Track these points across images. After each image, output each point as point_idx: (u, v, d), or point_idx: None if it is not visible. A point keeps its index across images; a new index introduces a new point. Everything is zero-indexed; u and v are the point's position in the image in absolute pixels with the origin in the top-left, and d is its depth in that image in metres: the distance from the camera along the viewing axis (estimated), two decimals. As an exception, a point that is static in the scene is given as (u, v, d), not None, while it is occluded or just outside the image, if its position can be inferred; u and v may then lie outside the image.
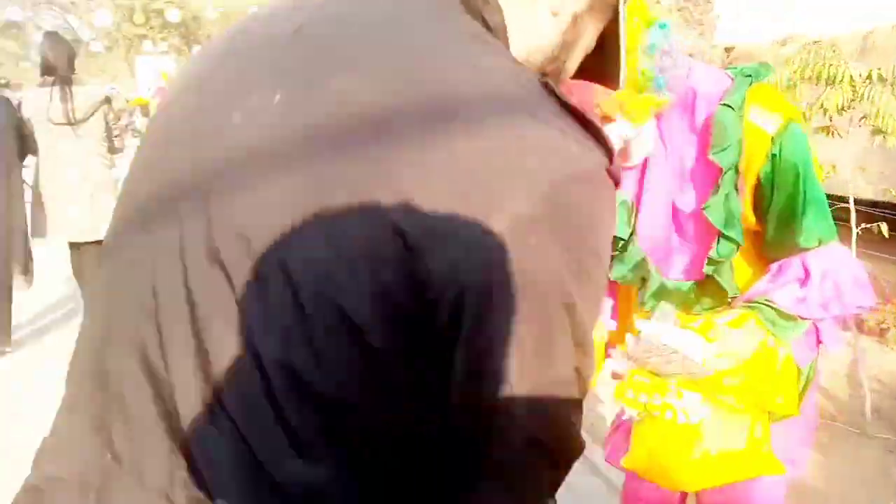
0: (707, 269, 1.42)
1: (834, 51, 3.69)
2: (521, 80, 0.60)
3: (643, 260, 1.47)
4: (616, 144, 1.28)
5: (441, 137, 0.54)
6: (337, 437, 0.57)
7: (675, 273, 1.49)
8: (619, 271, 1.50)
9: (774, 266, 1.38)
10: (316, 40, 0.61)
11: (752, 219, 1.38)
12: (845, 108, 3.40)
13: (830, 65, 3.53)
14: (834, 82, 3.45)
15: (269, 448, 0.56)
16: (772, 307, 1.33)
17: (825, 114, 3.52)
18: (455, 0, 0.66)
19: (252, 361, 0.55)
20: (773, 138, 1.30)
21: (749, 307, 1.36)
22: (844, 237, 4.24)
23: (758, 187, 1.34)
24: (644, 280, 1.50)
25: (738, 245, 1.38)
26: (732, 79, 1.36)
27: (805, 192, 1.30)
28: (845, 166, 3.91)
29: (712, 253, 1.40)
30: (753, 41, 9.43)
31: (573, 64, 0.76)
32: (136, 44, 29.89)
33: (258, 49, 0.65)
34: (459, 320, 0.53)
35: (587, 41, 0.76)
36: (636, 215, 1.46)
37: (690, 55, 5.30)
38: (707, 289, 1.46)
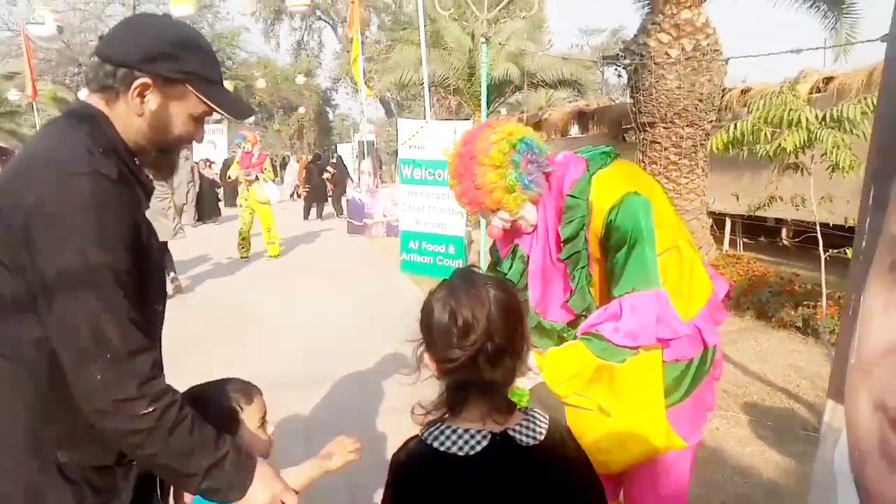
0: (580, 312, 1.89)
1: (795, 95, 4.11)
2: (66, 140, 1.24)
3: (525, 302, 1.95)
4: (501, 225, 1.88)
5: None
6: None
7: (554, 315, 1.95)
8: None
9: (603, 306, 1.81)
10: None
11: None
12: (804, 148, 3.80)
13: (791, 109, 3.95)
14: (791, 125, 3.85)
15: None
16: (597, 337, 1.74)
17: (788, 154, 3.91)
18: (65, 117, 1.32)
19: None
20: (609, 210, 1.75)
21: (582, 339, 1.77)
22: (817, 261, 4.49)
23: (600, 247, 1.81)
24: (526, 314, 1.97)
25: (579, 286, 1.86)
26: (587, 165, 1.84)
27: (628, 252, 1.73)
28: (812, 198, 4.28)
29: (567, 298, 1.89)
30: (766, 81, 9.79)
31: (178, 130, 1.35)
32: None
33: None
34: None
35: (179, 121, 1.34)
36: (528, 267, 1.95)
37: (701, 100, 5.90)
38: (577, 324, 1.89)
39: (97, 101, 1.30)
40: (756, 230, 10.01)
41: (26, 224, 1.13)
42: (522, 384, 1.69)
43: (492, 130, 1.80)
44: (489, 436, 1.16)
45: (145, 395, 1.16)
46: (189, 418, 1.22)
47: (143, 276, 1.26)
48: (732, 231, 10.00)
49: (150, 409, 1.16)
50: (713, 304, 1.91)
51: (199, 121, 1.38)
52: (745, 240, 9.99)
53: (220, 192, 17.53)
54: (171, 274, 7.72)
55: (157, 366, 1.22)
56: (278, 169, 20.75)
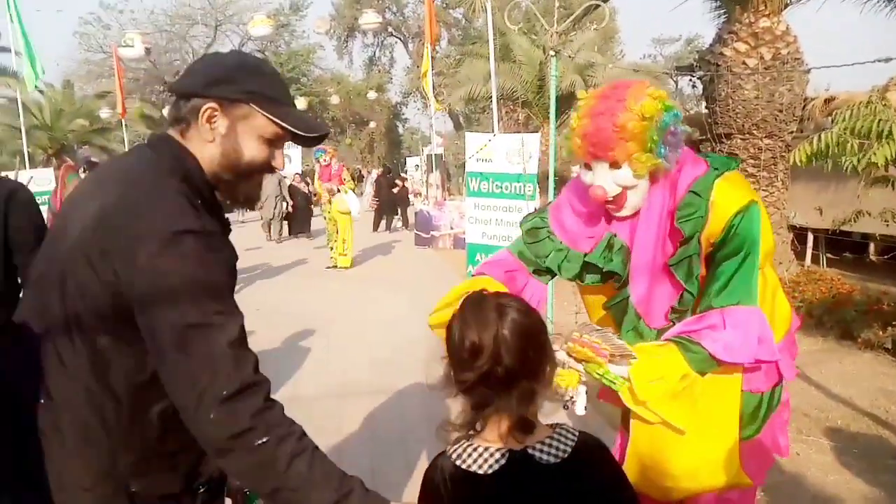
0: (672, 317, 1.77)
1: (886, 105, 3.89)
2: (164, 187, 1.26)
3: (627, 299, 1.83)
4: (609, 187, 1.71)
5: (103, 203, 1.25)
6: None
7: (656, 317, 1.81)
8: (612, 301, 1.88)
9: (698, 314, 1.69)
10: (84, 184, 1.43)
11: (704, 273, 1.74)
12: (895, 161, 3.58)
13: (880, 119, 3.74)
14: (881, 137, 3.64)
15: None
16: (695, 344, 1.62)
17: (878, 167, 3.70)
18: (156, 152, 1.35)
19: None
20: (734, 213, 1.66)
21: (678, 342, 1.64)
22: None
23: (711, 251, 1.71)
24: (623, 314, 1.85)
25: (694, 296, 1.73)
26: (708, 165, 1.75)
27: (741, 262, 1.64)
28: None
29: (675, 304, 1.76)
30: (851, 89, 9.33)
31: (249, 153, 1.35)
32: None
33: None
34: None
35: (250, 144, 1.35)
36: (630, 259, 1.81)
37: (780, 111, 5.75)
38: (664, 331, 1.77)
39: (175, 135, 1.35)
40: (841, 245, 9.49)
41: (135, 280, 1.17)
42: (618, 371, 1.59)
43: (646, 86, 1.70)
44: (507, 454, 1.17)
45: (257, 426, 1.17)
46: (309, 450, 1.23)
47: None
48: (815, 246, 9.51)
49: (265, 440, 1.17)
50: (790, 337, 1.82)
51: (272, 144, 1.37)
52: (828, 255, 9.50)
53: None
54: None
55: (270, 398, 1.24)
56: (354, 182, 21.21)
